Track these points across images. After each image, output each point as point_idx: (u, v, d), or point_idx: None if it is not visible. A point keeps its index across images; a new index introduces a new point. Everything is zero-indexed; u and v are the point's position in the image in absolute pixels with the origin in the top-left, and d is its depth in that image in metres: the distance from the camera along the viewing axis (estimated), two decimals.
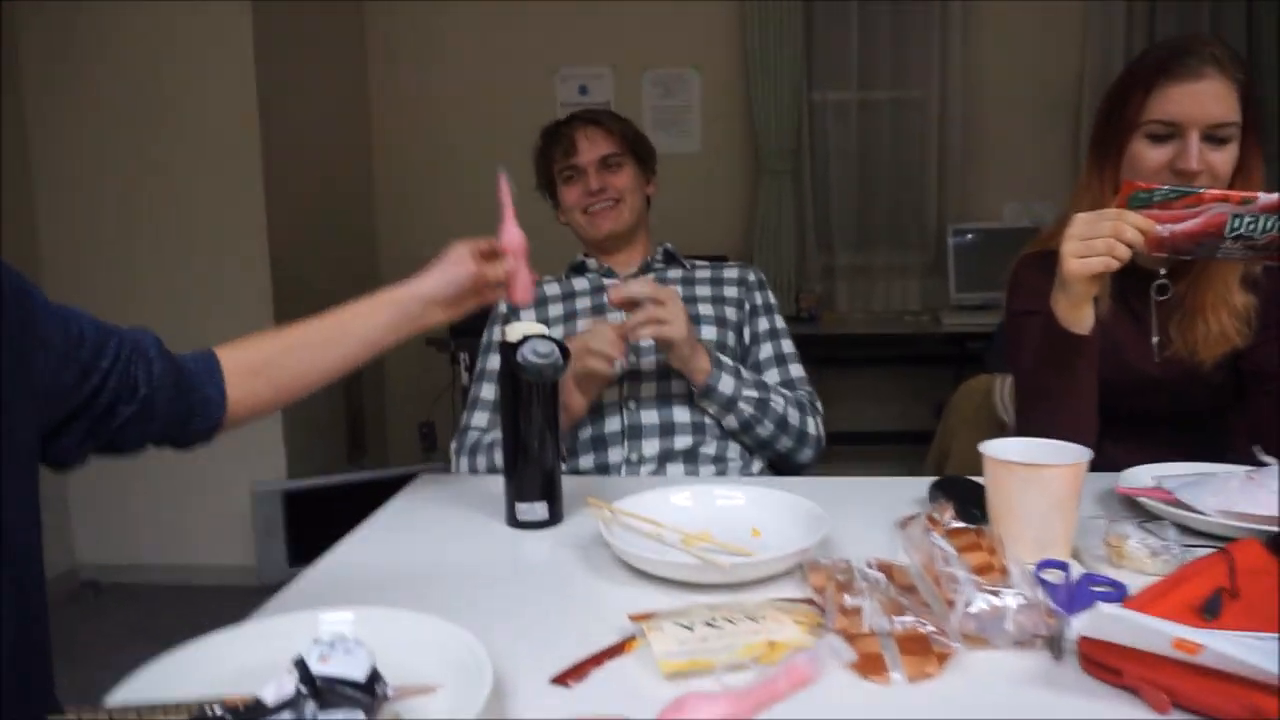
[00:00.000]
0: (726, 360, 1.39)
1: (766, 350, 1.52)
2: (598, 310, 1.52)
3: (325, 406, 3.32)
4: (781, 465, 1.47)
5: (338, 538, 1.06)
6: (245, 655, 0.69)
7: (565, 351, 1.05)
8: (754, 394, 1.39)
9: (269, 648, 0.69)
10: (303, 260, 3.14)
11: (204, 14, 2.85)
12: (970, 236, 3.40)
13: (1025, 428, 1.12)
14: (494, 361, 1.51)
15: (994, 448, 0.91)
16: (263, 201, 2.92)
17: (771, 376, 1.48)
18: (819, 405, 1.48)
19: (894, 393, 3.68)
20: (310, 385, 1.02)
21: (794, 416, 1.41)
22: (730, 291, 1.55)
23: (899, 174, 3.58)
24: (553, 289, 1.58)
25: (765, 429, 1.39)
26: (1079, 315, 1.12)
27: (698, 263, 1.62)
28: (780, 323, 1.56)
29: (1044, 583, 0.78)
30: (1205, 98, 1.14)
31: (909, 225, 3.60)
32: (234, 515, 3.00)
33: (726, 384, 1.37)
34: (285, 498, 2.78)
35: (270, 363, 0.99)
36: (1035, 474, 0.87)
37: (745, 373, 1.41)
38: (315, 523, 2.80)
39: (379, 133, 3.75)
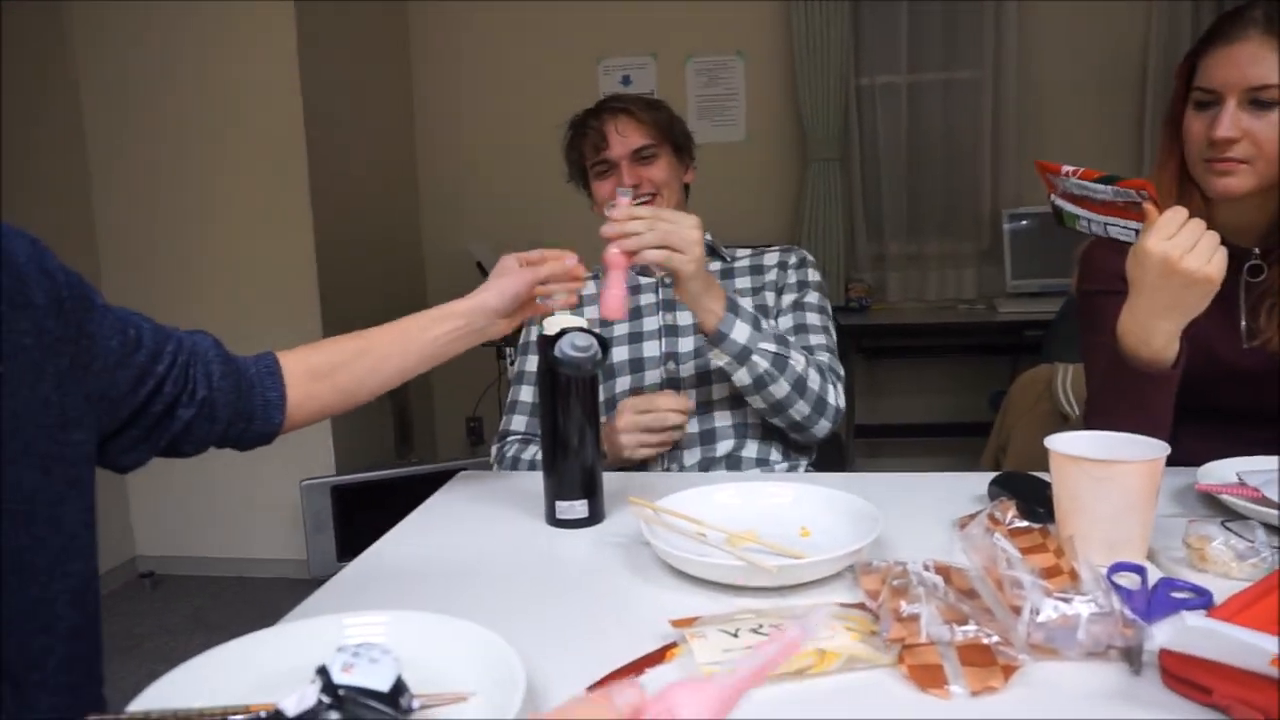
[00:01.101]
0: (745, 306, 1.25)
1: (786, 322, 1.42)
2: (634, 313, 1.46)
3: (373, 402, 3.33)
4: (798, 439, 1.37)
5: (387, 531, 1.05)
6: (273, 660, 0.67)
7: (605, 345, 1.01)
8: (771, 348, 1.24)
9: (297, 653, 0.67)
10: (347, 254, 3.16)
11: (249, 14, 2.87)
12: (1026, 222, 3.29)
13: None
14: (531, 363, 1.49)
15: (1061, 442, 0.85)
16: (308, 194, 2.94)
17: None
18: (840, 373, 1.37)
19: (947, 384, 3.58)
20: (372, 392, 1.04)
21: (814, 379, 1.29)
22: (771, 276, 1.48)
23: (951, 159, 3.47)
24: (588, 288, 1.51)
25: (780, 389, 1.26)
26: (1174, 347, 1.03)
27: (738, 252, 1.54)
28: (811, 297, 1.45)
29: (1118, 588, 0.73)
30: (1242, 59, 1.06)
31: (962, 211, 3.49)
32: (287, 509, 3.04)
33: (740, 331, 1.22)
34: (334, 492, 2.79)
35: (335, 368, 1.01)
36: (1108, 470, 0.81)
37: (766, 324, 1.27)
38: (364, 517, 2.81)
39: (422, 125, 3.75)
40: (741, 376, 1.26)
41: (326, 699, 0.54)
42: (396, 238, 3.61)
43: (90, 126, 2.98)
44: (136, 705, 0.60)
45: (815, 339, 1.41)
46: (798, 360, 1.28)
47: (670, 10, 3.54)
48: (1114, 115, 3.38)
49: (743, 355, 1.23)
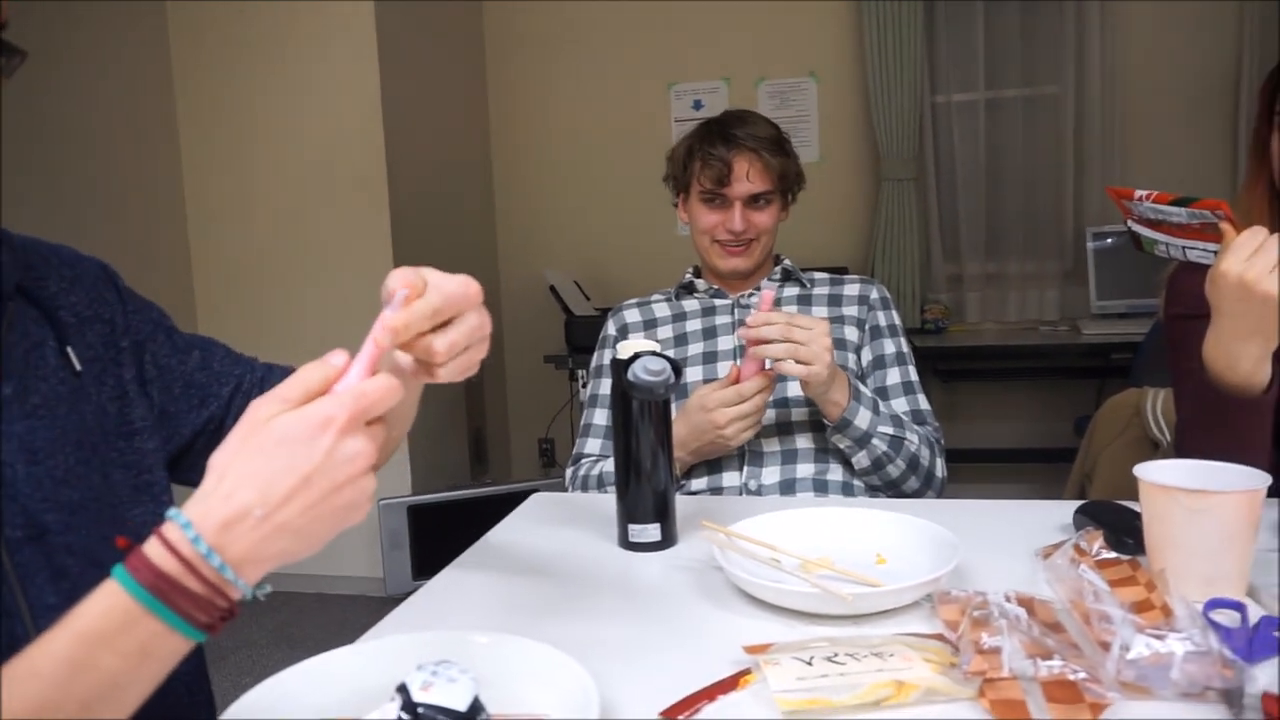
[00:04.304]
0: (865, 391, 1.30)
1: (894, 376, 1.43)
2: (709, 333, 1.48)
3: (448, 423, 3.41)
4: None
5: (461, 551, 1.07)
6: (354, 676, 0.69)
7: (677, 369, 1.01)
8: (889, 430, 1.30)
9: (377, 670, 0.68)
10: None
11: (335, 56, 2.99)
12: (1112, 240, 3.18)
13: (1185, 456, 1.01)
14: (604, 386, 1.50)
15: (1153, 470, 0.82)
16: (388, 220, 3.03)
17: (899, 405, 1.40)
18: (943, 442, 1.40)
19: (1029, 408, 3.47)
20: (404, 432, 0.90)
21: (925, 456, 1.33)
22: (850, 310, 1.48)
23: (1032, 176, 3.38)
24: (662, 310, 1.54)
25: (896, 468, 1.31)
26: (1264, 371, 0.98)
27: (816, 276, 1.54)
28: (906, 346, 1.47)
29: (1216, 626, 0.69)
30: None
31: (1044, 230, 3.39)
32: (365, 528, 3.11)
33: (863, 418, 1.27)
34: (410, 511, 2.86)
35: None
36: (1203, 501, 0.77)
37: (882, 405, 1.32)
38: (439, 536, 2.86)
39: (498, 152, 3.83)
40: (861, 459, 1.31)
41: (406, 717, 0.55)
42: (474, 264, 3.69)
43: (185, 145, 3.12)
44: (227, 717, 0.62)
45: (923, 402, 1.43)
46: (912, 440, 1.32)
47: (742, 34, 3.55)
48: (1205, 130, 3.25)
49: (864, 439, 1.28)
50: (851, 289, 1.50)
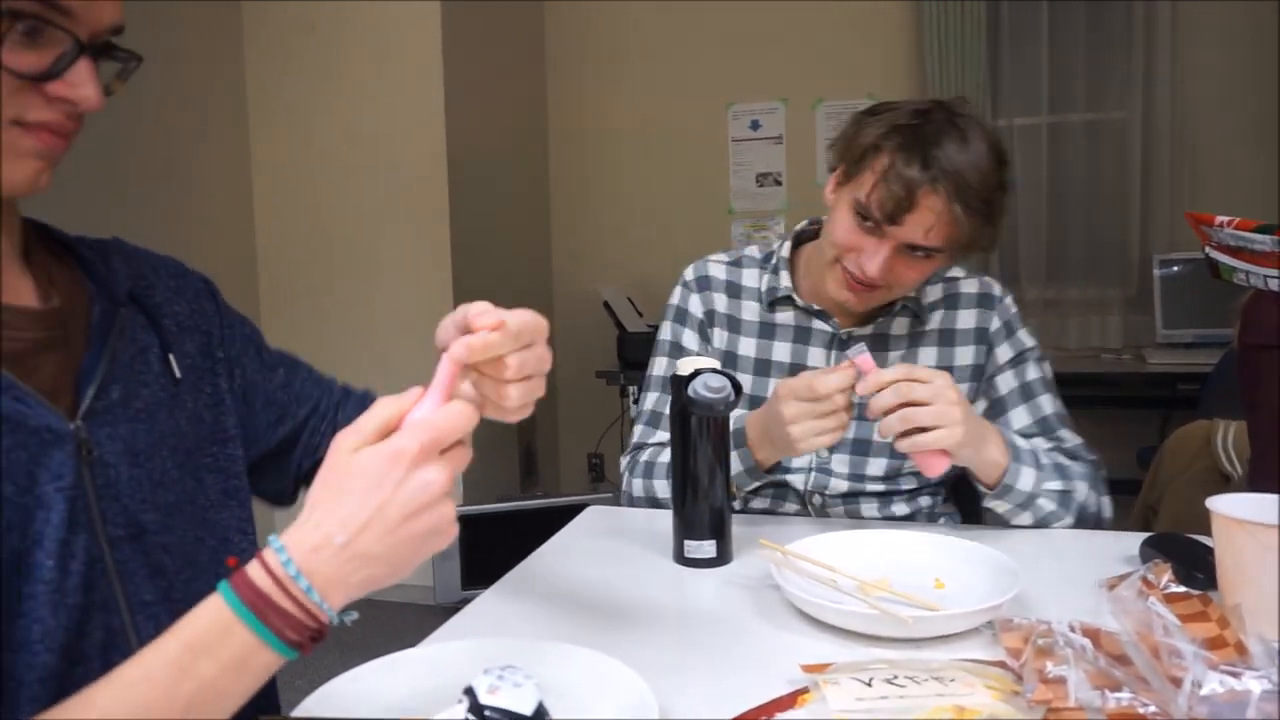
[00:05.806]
0: (1021, 443, 1.11)
1: (1021, 418, 1.22)
2: (795, 370, 1.25)
3: (499, 437, 3.44)
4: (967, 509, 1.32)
5: (509, 562, 1.08)
6: (418, 678, 0.71)
7: (738, 387, 1.02)
8: (1057, 485, 1.10)
9: (441, 673, 0.70)
10: (482, 291, 3.29)
11: (400, 70, 3.07)
12: (1179, 268, 3.10)
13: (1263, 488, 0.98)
14: (669, 366, 1.34)
15: (1226, 504, 0.80)
16: (448, 232, 3.09)
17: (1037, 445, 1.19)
18: (1104, 473, 1.20)
19: (1089, 437, 3.33)
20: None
21: (1091, 501, 1.14)
22: (964, 356, 1.25)
23: (1096, 202, 3.31)
24: (750, 305, 1.31)
25: (1064, 524, 1.13)
26: None
27: (928, 294, 1.26)
28: (1033, 372, 1.24)
29: None
30: None
31: (1108, 256, 3.32)
32: None
33: (1026, 479, 1.08)
34: (461, 521, 2.88)
35: None
36: None
37: (1043, 456, 1.12)
38: (489, 547, 2.89)
39: (555, 168, 3.89)
40: (1023, 520, 1.12)
41: (473, 718, 0.56)
42: (528, 278, 3.74)
43: (255, 150, 3.21)
44: (299, 712, 0.64)
45: (1068, 437, 1.22)
46: (1079, 489, 1.13)
47: (800, 55, 3.56)
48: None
49: (1027, 501, 1.10)
50: (967, 318, 1.26)
